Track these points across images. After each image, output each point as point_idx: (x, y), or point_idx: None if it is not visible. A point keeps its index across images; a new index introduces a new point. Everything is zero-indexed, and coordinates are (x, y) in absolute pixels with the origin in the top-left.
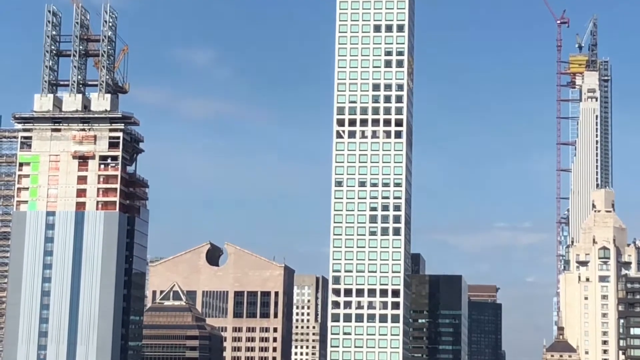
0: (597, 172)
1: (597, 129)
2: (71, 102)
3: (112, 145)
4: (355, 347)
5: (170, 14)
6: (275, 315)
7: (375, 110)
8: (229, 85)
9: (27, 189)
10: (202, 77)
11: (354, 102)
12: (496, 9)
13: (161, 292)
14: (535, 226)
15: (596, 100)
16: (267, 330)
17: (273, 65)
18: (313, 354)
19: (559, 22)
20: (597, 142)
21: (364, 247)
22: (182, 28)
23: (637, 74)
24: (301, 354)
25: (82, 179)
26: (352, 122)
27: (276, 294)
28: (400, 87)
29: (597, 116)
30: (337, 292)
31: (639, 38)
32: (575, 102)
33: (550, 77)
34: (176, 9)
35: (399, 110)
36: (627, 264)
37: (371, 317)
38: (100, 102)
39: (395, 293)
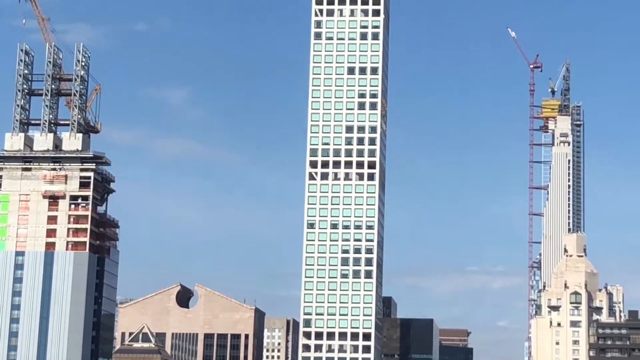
0: (569, 217)
1: (569, 173)
2: (42, 142)
3: (83, 185)
4: None
5: (144, 53)
6: (245, 358)
7: (348, 152)
8: (203, 125)
9: None
10: (175, 117)
11: (327, 144)
12: (470, 53)
13: (130, 333)
14: (508, 270)
15: (569, 144)
16: None
17: (247, 105)
18: None
19: (532, 66)
20: (569, 186)
21: (336, 290)
22: (156, 67)
23: (610, 119)
24: None
25: (52, 219)
26: (325, 164)
27: (246, 336)
28: (373, 130)
29: (569, 160)
30: (307, 335)
31: (611, 83)
32: (547, 147)
33: (523, 121)
34: (150, 48)
35: (371, 153)
36: (599, 309)
37: None
38: (72, 141)
39: (367, 337)
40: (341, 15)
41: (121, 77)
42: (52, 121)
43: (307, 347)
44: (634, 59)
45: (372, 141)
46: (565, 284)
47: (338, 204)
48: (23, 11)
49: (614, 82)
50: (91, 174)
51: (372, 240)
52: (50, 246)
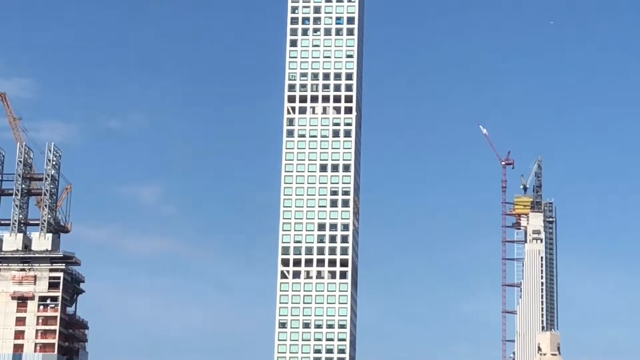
0: (542, 315)
1: (542, 270)
2: (12, 242)
3: (53, 285)
4: None
5: (117, 150)
6: None
7: (321, 251)
8: (174, 222)
9: None
10: (147, 215)
11: (299, 242)
12: (440, 151)
13: None
14: None
15: (541, 241)
16: None
17: (219, 203)
18: None
19: (503, 163)
20: (542, 283)
21: None
22: (128, 164)
23: (582, 216)
24: None
25: (20, 321)
26: (297, 262)
27: None
28: (345, 227)
29: (542, 257)
30: None
31: (583, 180)
32: (520, 244)
33: (496, 218)
34: (123, 145)
35: (344, 251)
36: None
37: None
38: (42, 241)
39: None
40: (313, 112)
41: (93, 174)
42: (22, 221)
43: None
44: (605, 155)
45: (344, 239)
46: None
47: (310, 303)
48: None
49: (586, 179)
50: (61, 275)
51: (344, 340)
52: (18, 348)
